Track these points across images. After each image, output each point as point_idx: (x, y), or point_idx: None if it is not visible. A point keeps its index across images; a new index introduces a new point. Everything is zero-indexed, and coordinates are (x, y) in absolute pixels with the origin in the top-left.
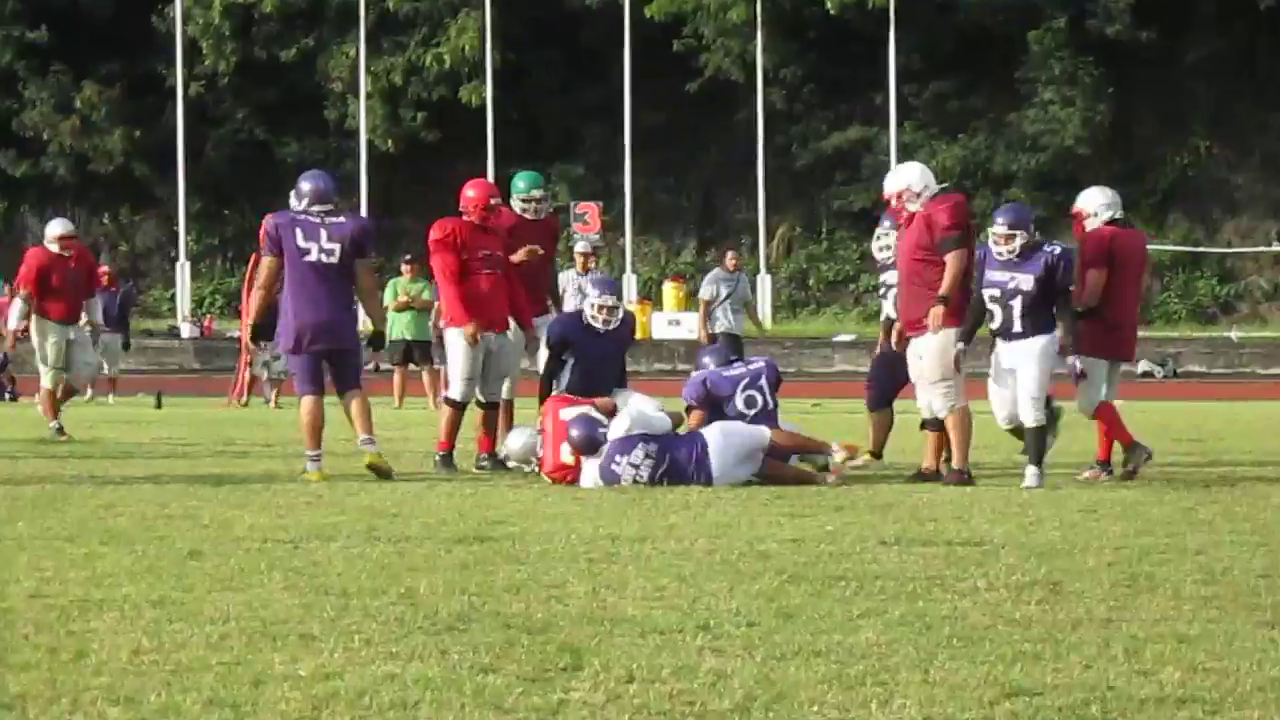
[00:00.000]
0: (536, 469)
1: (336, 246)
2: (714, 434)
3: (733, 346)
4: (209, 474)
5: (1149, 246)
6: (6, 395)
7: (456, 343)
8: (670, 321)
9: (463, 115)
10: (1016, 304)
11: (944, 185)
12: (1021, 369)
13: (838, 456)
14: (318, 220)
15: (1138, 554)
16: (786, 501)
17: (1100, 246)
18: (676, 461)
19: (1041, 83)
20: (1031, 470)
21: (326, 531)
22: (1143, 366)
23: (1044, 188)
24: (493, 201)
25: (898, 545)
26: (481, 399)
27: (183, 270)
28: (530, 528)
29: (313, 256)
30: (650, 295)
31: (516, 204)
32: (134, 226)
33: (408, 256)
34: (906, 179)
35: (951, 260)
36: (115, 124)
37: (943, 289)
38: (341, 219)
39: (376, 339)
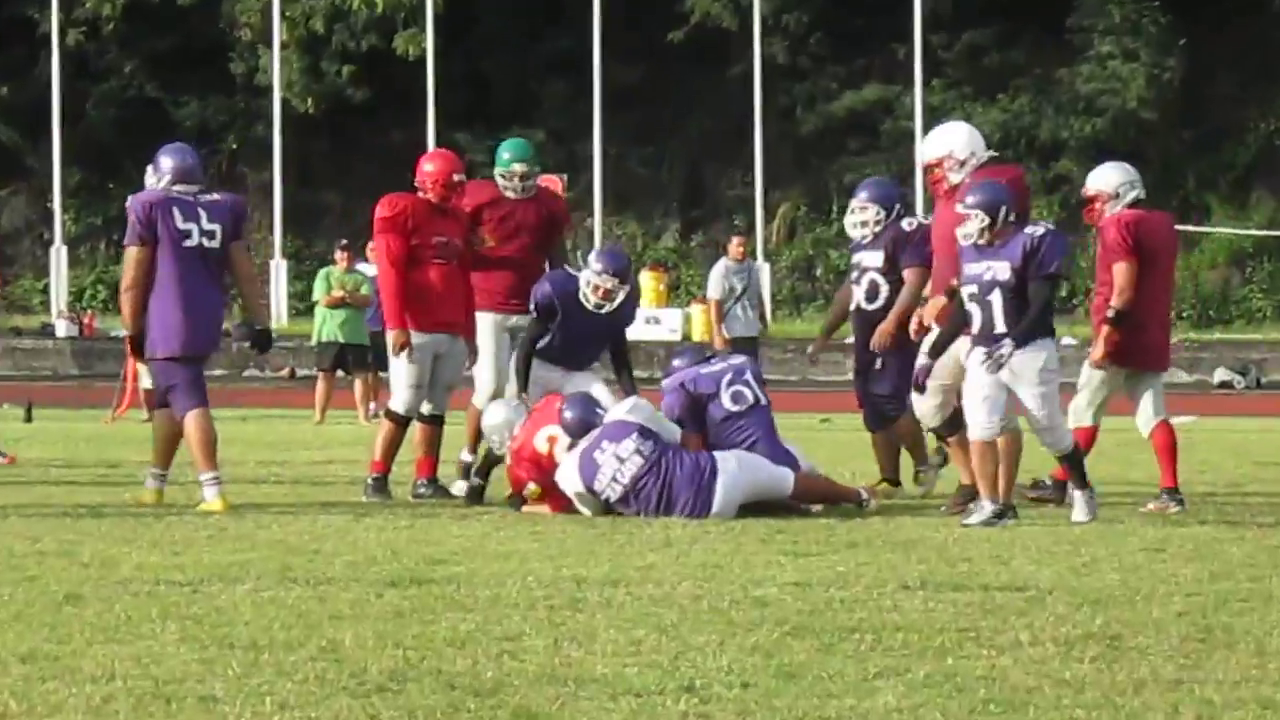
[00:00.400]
0: (505, 451)
1: (218, 228)
2: (729, 462)
3: (749, 353)
4: (89, 502)
5: (1231, 230)
6: None
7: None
8: (648, 319)
9: (398, 70)
10: (996, 299)
11: (993, 154)
12: (1022, 393)
13: (871, 506)
14: (192, 199)
15: (1213, 602)
16: (789, 536)
17: (1127, 234)
18: (672, 478)
19: (1098, 33)
20: (1079, 497)
21: (231, 572)
22: (1219, 376)
23: (1100, 159)
24: (455, 178)
25: (923, 590)
26: (425, 412)
27: (58, 256)
28: (479, 568)
29: (193, 241)
30: None
31: (497, 180)
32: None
33: (343, 241)
34: (950, 143)
35: None
36: None
37: None
38: (217, 197)
39: (262, 337)
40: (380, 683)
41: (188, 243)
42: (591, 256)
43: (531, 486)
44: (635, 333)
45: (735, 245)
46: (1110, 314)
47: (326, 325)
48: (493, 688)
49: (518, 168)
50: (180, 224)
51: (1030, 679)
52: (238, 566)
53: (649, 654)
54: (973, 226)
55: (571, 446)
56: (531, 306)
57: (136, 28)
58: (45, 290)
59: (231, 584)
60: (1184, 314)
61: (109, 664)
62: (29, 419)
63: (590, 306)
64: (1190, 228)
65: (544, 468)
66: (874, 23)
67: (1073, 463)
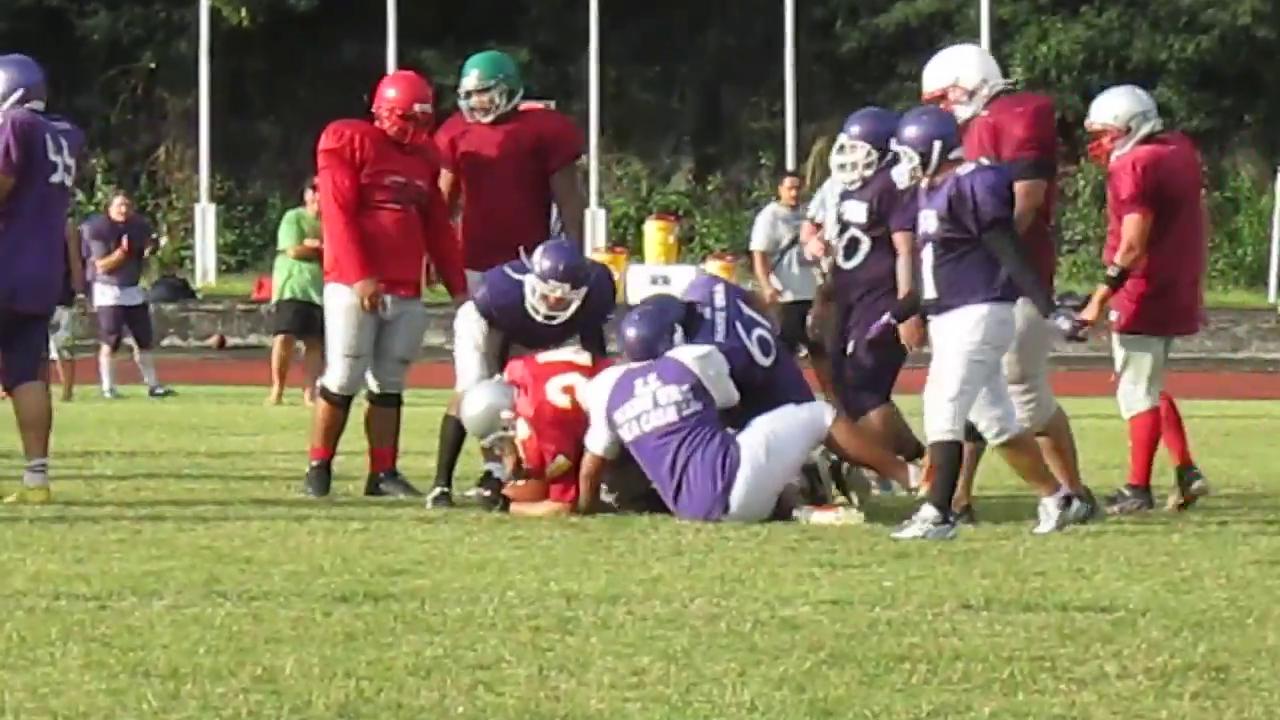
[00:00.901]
0: (511, 431)
1: (72, 164)
2: (757, 451)
3: (798, 321)
4: None
5: None
6: None
7: (339, 306)
8: (655, 279)
9: None
10: (927, 256)
11: (1013, 82)
12: (938, 356)
13: (914, 484)
14: (48, 124)
15: None
16: (824, 545)
17: (1142, 179)
18: (690, 461)
19: None
20: (924, 515)
21: (147, 585)
22: None
23: (1204, 86)
24: (418, 108)
25: (988, 610)
26: (375, 389)
27: None
28: (447, 581)
29: (57, 176)
30: (626, 241)
31: (460, 106)
32: None
33: (315, 181)
34: (954, 70)
35: (1023, 192)
36: None
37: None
38: (65, 125)
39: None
40: (327, 719)
41: (52, 178)
42: (536, 255)
43: (560, 460)
44: (639, 294)
45: (787, 188)
46: (1111, 272)
47: (292, 280)
48: None
49: (472, 82)
50: (51, 154)
51: (1118, 718)
52: (154, 578)
53: (654, 686)
54: (903, 167)
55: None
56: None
57: None
58: None
59: (147, 599)
60: None
61: None
62: None
63: (540, 319)
64: None
65: (573, 426)
66: None
67: (940, 460)
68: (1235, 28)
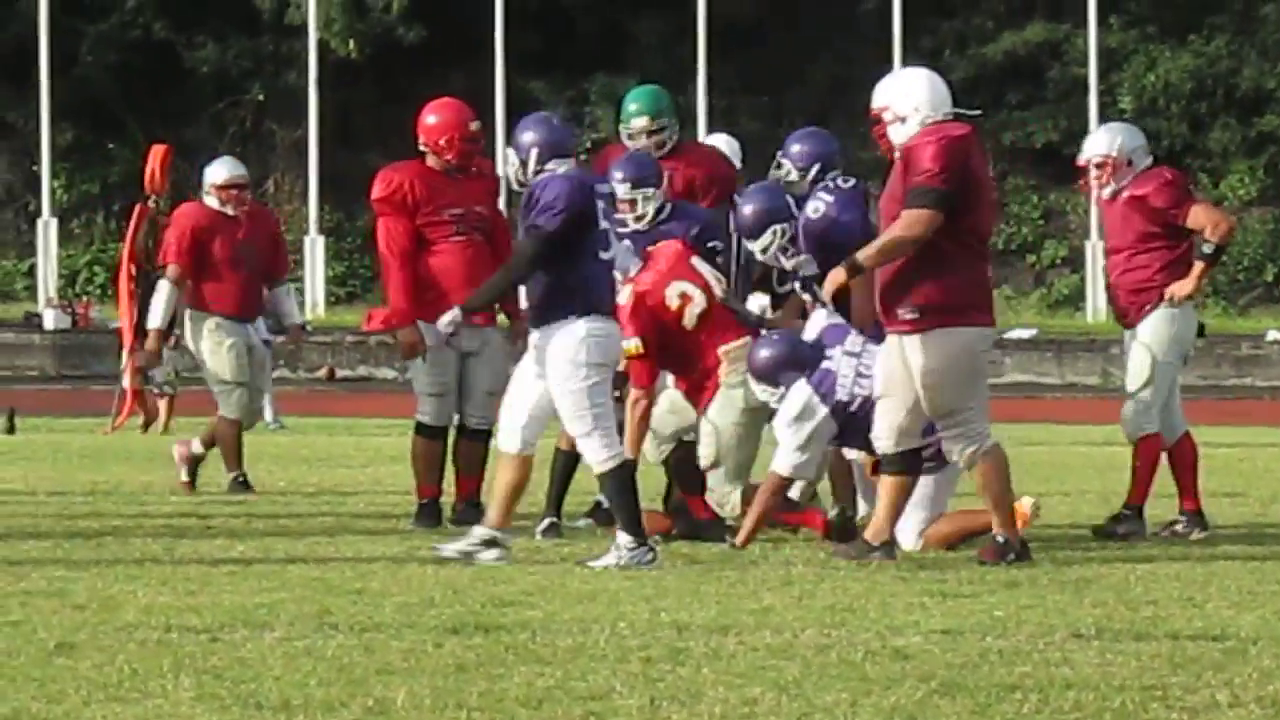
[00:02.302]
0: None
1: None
2: None
3: None
4: (85, 531)
5: None
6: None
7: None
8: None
9: (459, 4)
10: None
11: (955, 111)
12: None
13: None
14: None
15: None
16: (934, 574)
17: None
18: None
19: None
20: (619, 541)
21: (258, 617)
22: None
23: None
24: (473, 126)
25: (1099, 640)
26: (469, 425)
27: (46, 230)
28: (558, 612)
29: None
30: None
31: (624, 140)
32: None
33: None
34: (890, 95)
35: (907, 221)
36: None
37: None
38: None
39: None
40: None
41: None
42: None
43: (634, 343)
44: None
45: None
46: (1207, 249)
47: None
48: None
49: (641, 123)
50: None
51: None
52: (266, 610)
53: (766, 716)
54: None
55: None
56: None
57: None
58: (30, 273)
59: (258, 631)
60: None
61: None
62: (11, 429)
63: (628, 230)
64: None
65: (665, 325)
66: None
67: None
68: None
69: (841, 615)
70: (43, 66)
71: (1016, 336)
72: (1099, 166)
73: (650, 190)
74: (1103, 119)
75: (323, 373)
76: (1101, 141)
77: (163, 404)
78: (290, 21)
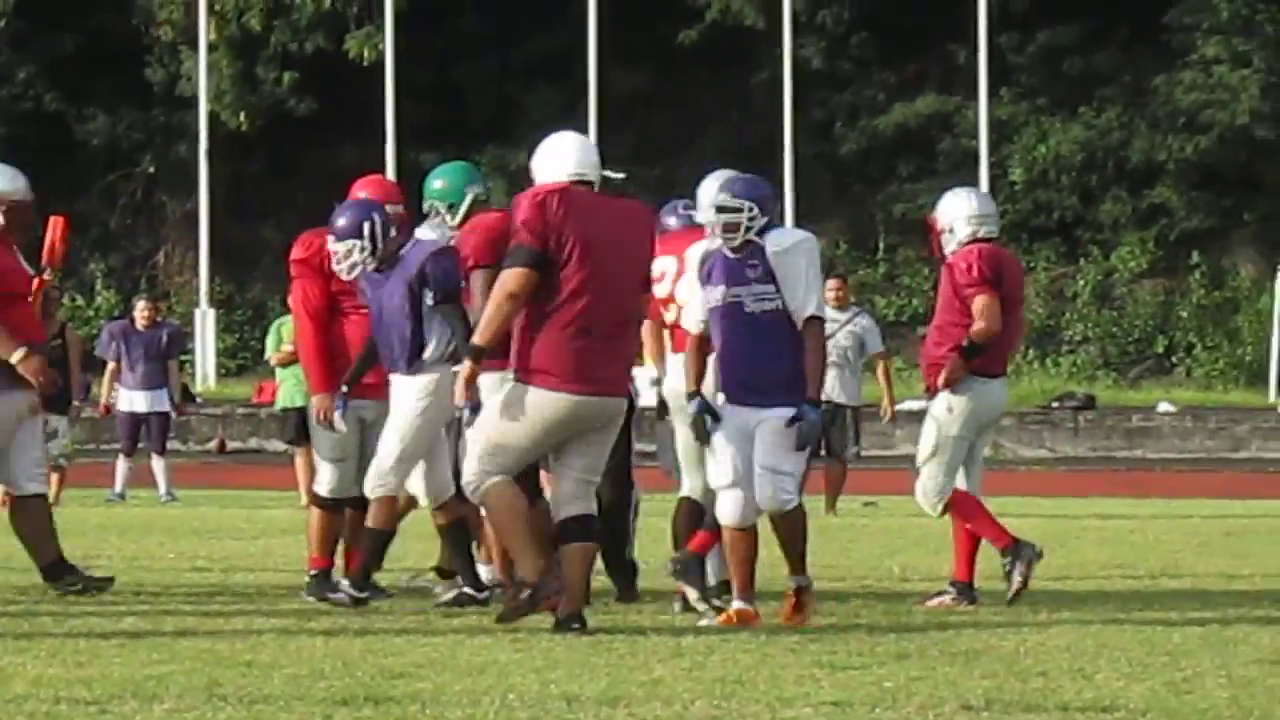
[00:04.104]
0: None
1: None
2: None
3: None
4: None
5: None
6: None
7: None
8: (654, 381)
9: (350, 76)
10: None
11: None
12: None
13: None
14: None
15: None
16: (825, 646)
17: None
18: None
19: (1202, 33)
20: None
21: (148, 688)
22: None
23: (1203, 185)
24: (390, 209)
25: (988, 711)
26: (361, 493)
27: None
28: (448, 684)
29: None
30: None
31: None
32: None
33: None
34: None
35: (492, 280)
36: None
37: None
38: None
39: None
40: None
41: None
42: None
43: None
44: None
45: (831, 288)
46: (965, 343)
47: (284, 388)
48: None
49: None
50: None
51: None
52: (155, 681)
53: None
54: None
55: None
56: None
57: (34, 25)
58: None
59: (148, 703)
60: None
61: None
62: None
63: None
64: None
65: None
66: (929, 21)
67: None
68: (1234, 128)
69: (732, 687)
70: None
71: (908, 408)
72: (937, 227)
73: (351, 242)
74: (994, 190)
75: (213, 444)
76: (943, 206)
77: (54, 477)
78: (181, 93)
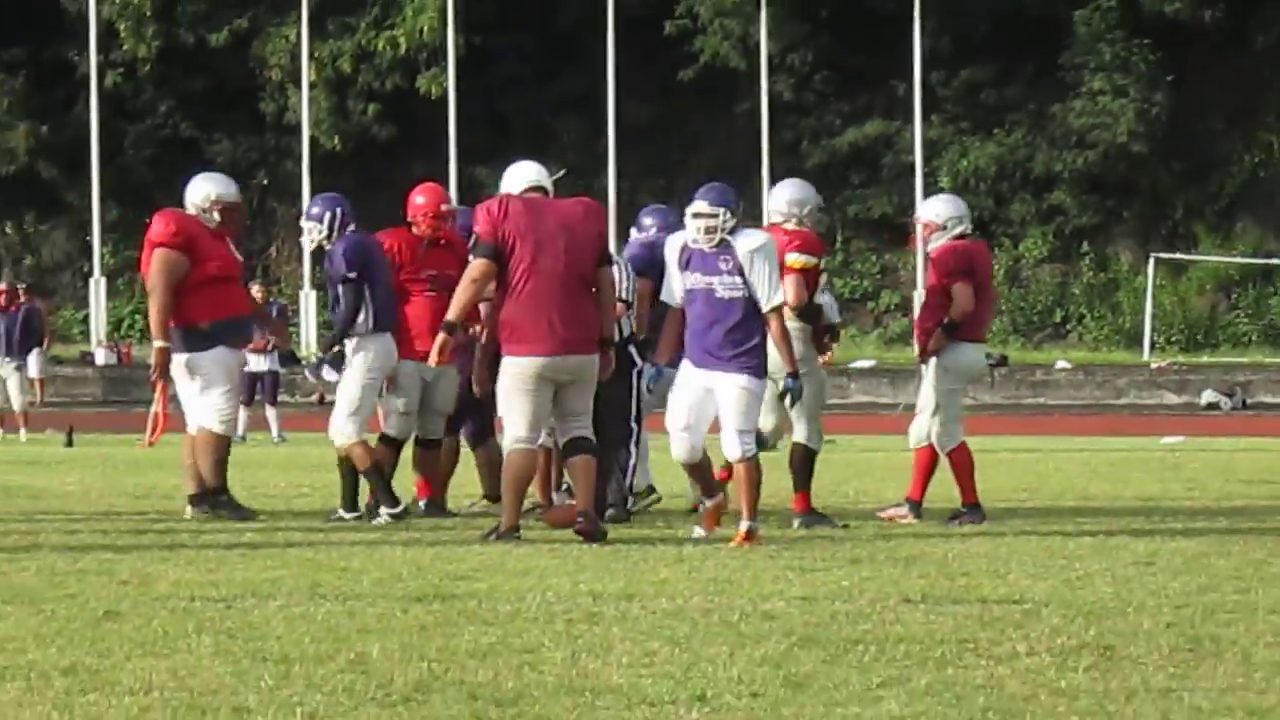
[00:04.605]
0: None
1: None
2: None
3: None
4: (128, 523)
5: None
6: None
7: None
8: None
9: (421, 108)
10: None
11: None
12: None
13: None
14: None
15: (1201, 613)
16: (795, 553)
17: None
18: None
19: (1089, 70)
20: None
21: (263, 589)
22: (1207, 398)
23: (1093, 191)
24: (444, 208)
25: (924, 604)
26: (421, 436)
27: (98, 287)
28: (499, 584)
29: None
30: None
31: None
32: (41, 237)
33: None
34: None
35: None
36: (18, 118)
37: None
38: None
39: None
40: (406, 694)
41: None
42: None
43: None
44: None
45: None
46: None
47: None
48: (513, 698)
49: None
50: None
51: (1026, 688)
52: (269, 583)
53: (662, 665)
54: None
55: None
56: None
57: (171, 69)
58: (85, 320)
59: (264, 600)
60: (1173, 339)
61: (146, 677)
62: (70, 444)
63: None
64: (1179, 255)
65: None
66: (875, 61)
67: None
68: (1115, 145)
69: (722, 585)
70: (94, 158)
71: (859, 366)
72: (925, 226)
73: (313, 224)
74: (926, 195)
75: (314, 397)
76: (929, 208)
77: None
78: (288, 122)
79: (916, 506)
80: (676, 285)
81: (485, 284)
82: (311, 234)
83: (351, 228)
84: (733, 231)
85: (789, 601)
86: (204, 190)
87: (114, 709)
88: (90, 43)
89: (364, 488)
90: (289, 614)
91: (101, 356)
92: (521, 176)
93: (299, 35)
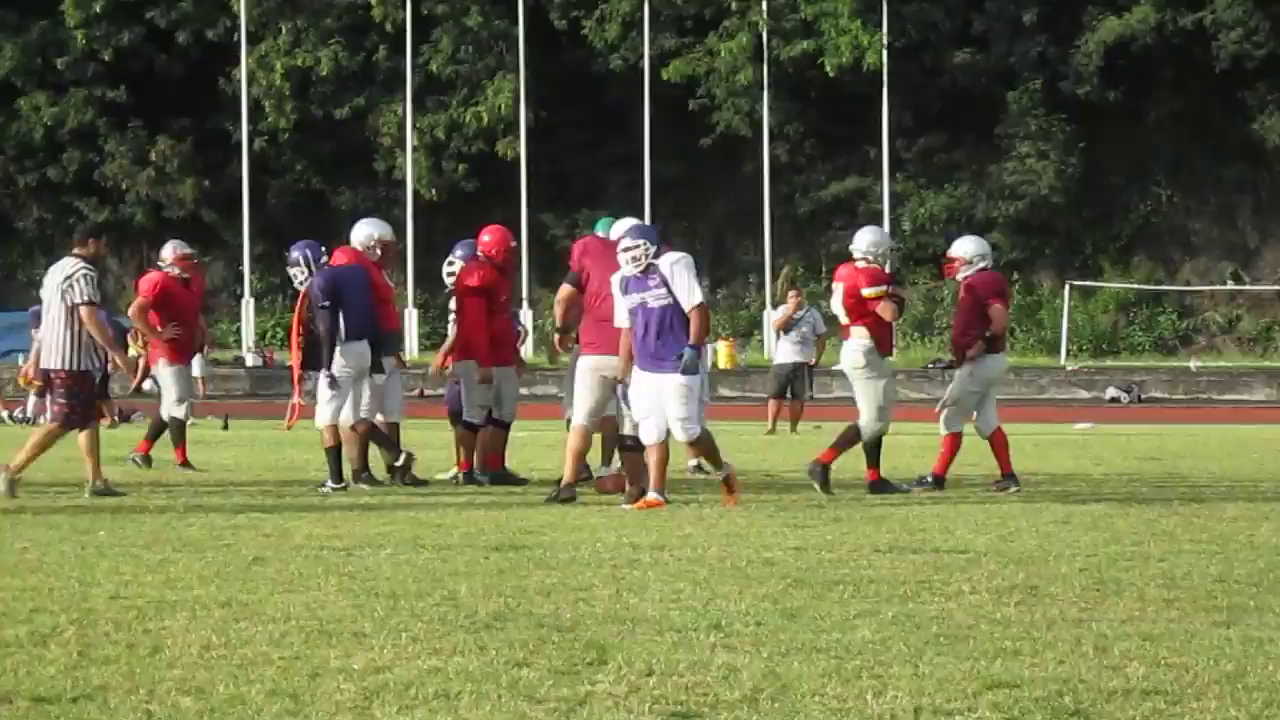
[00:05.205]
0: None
1: None
2: None
3: (800, 380)
4: (271, 488)
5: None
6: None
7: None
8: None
9: (498, 167)
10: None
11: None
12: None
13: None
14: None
15: (1106, 561)
16: (790, 514)
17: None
18: None
19: (1019, 138)
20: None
21: (376, 540)
22: (1110, 393)
23: (1020, 232)
24: (511, 244)
25: (890, 553)
26: (495, 418)
27: (247, 306)
28: (559, 538)
29: None
30: None
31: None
32: (203, 267)
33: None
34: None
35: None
36: (186, 174)
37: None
38: None
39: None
40: (487, 622)
41: None
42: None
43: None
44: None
45: (791, 297)
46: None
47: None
48: (570, 626)
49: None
50: None
51: (970, 619)
52: (381, 536)
53: (686, 600)
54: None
55: None
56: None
57: (305, 136)
58: (237, 332)
59: (376, 548)
60: (1083, 347)
61: (285, 608)
62: (226, 427)
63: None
64: (1089, 283)
65: None
66: (852, 131)
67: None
68: (1038, 197)
69: (732, 539)
70: (244, 206)
71: (840, 368)
72: (957, 260)
73: (297, 269)
74: (892, 236)
75: (416, 392)
76: (960, 246)
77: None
78: (396, 177)
79: (940, 480)
80: (621, 309)
81: (569, 305)
82: (296, 277)
83: (324, 261)
84: (656, 256)
85: (785, 551)
86: (366, 231)
87: (260, 634)
88: (242, 116)
89: (374, 467)
90: (396, 560)
91: (250, 359)
92: (615, 229)
93: (404, 110)
